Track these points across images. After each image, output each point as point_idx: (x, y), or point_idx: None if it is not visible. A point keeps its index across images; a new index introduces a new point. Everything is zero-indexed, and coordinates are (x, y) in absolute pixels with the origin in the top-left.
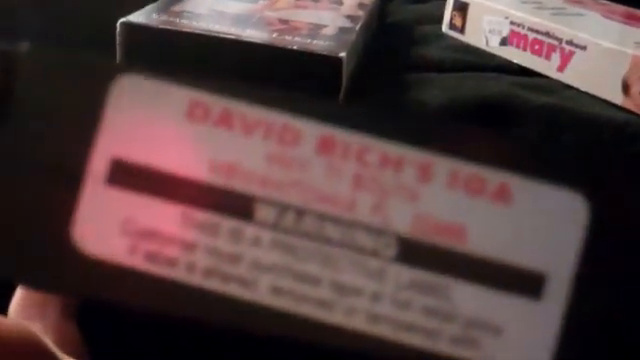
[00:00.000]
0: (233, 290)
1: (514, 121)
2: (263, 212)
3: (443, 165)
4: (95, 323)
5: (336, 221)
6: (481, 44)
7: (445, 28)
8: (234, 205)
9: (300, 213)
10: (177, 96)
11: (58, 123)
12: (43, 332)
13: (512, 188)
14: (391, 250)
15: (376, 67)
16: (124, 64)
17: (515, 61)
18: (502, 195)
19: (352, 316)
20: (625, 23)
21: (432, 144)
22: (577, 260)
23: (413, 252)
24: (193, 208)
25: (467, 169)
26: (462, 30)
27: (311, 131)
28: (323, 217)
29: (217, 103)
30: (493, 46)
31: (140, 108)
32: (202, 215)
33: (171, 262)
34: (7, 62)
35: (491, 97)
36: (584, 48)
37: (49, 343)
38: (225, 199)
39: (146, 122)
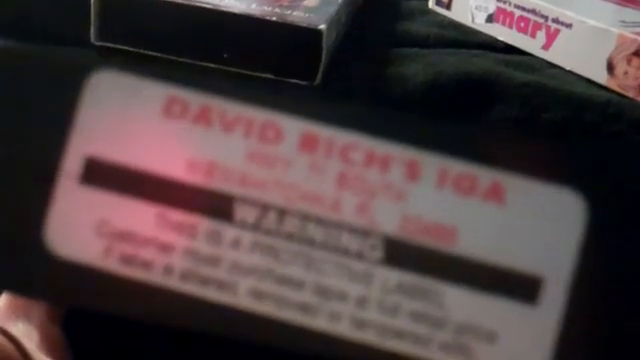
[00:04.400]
0: (212, 294)
1: (496, 98)
2: (243, 212)
3: (432, 163)
4: (80, 327)
5: (320, 222)
6: (467, 21)
7: (432, 4)
8: (213, 205)
9: (282, 213)
10: (154, 92)
11: (30, 121)
12: (26, 334)
13: (505, 187)
14: (377, 252)
15: (359, 41)
16: (99, 59)
17: (501, 38)
18: (494, 194)
19: (336, 321)
20: (613, 2)
21: (420, 141)
22: (575, 262)
23: (401, 254)
24: (170, 208)
25: (457, 167)
26: (449, 6)
27: (293, 128)
28: (306, 218)
29: (196, 99)
30: (479, 23)
31: (115, 105)
32: (179, 216)
33: (147, 265)
34: None
35: (473, 74)
36: (569, 26)
37: (27, 346)
38: (204, 199)
39: (122, 119)
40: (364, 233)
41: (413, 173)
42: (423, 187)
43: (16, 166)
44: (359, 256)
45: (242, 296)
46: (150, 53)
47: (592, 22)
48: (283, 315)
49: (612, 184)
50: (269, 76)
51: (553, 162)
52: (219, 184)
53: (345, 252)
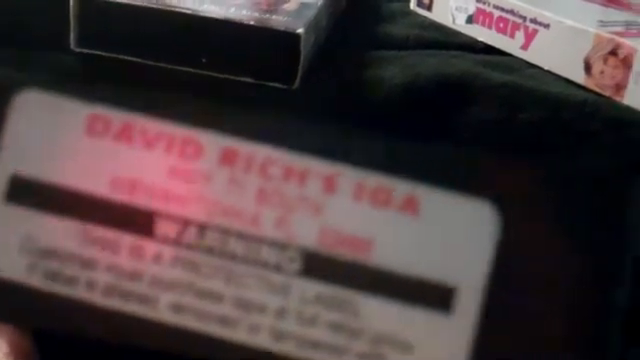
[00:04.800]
0: (134, 308)
1: (473, 99)
2: (164, 228)
3: (348, 177)
4: (52, 336)
5: (239, 236)
6: (448, 22)
7: (413, 5)
8: (134, 221)
9: (202, 228)
10: (76, 111)
11: None
12: None
13: (420, 199)
14: (296, 264)
15: (340, 44)
16: (25, 78)
17: (480, 39)
18: (410, 206)
19: (256, 333)
20: (592, 2)
21: (337, 155)
22: (488, 272)
23: (318, 266)
24: (93, 225)
25: (373, 180)
26: (430, 7)
27: (213, 143)
28: (226, 232)
29: (117, 117)
30: (459, 24)
31: (40, 123)
32: (102, 232)
33: (71, 280)
34: None
35: (451, 75)
36: (547, 26)
37: None
38: (125, 215)
39: (46, 138)
40: (282, 246)
41: (330, 186)
42: (340, 200)
43: None
44: (278, 269)
45: (163, 310)
46: (130, 59)
47: (569, 22)
48: (203, 328)
49: (524, 197)
50: (248, 80)
51: (467, 174)
52: (140, 200)
53: (264, 265)
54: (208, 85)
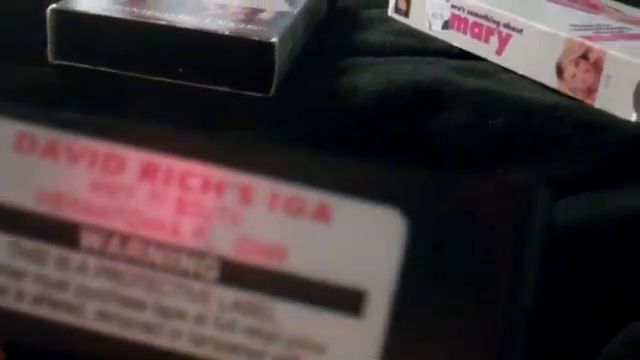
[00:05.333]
0: (61, 316)
1: (446, 106)
2: (88, 239)
3: (264, 187)
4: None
5: (160, 246)
6: (425, 28)
7: (391, 12)
8: (60, 233)
9: (125, 239)
10: (4, 127)
11: None
12: None
13: (331, 207)
14: (214, 272)
15: (317, 52)
16: None
17: (456, 45)
18: (322, 214)
19: (177, 339)
20: (565, 5)
21: (252, 166)
22: (396, 276)
23: (235, 274)
24: (21, 237)
25: (287, 190)
26: (407, 14)
27: (134, 158)
28: (147, 242)
29: (43, 134)
30: (436, 30)
31: None
32: (30, 244)
33: (1, 290)
34: None
35: (424, 82)
36: (520, 31)
37: None
38: (52, 228)
39: None
40: (201, 255)
41: (246, 197)
42: (256, 210)
43: None
44: (197, 276)
45: (89, 317)
46: (106, 70)
47: (541, 27)
48: (128, 334)
49: (429, 203)
50: (225, 89)
51: (374, 182)
52: (66, 213)
53: (184, 273)
54: (182, 95)
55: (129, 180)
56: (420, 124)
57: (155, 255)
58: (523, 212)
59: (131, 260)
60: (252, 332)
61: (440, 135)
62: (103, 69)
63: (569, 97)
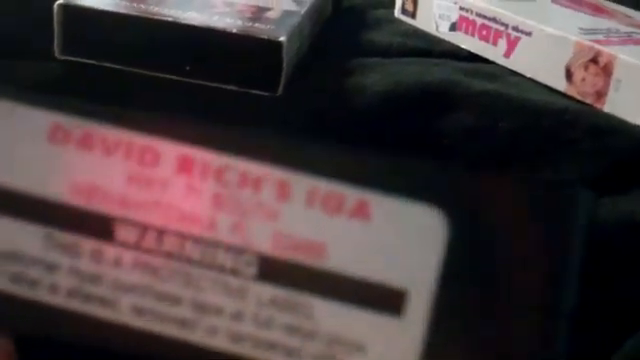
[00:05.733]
0: (95, 310)
1: (453, 107)
2: (124, 233)
3: (301, 183)
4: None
5: (196, 241)
6: (432, 29)
7: (397, 13)
8: (95, 226)
9: (160, 233)
10: (39, 119)
11: None
12: None
13: (371, 205)
14: (251, 269)
15: (324, 52)
16: None
17: (464, 47)
18: (361, 212)
19: (213, 335)
20: (573, 9)
21: (290, 162)
22: (436, 275)
23: (273, 270)
24: (55, 229)
25: (325, 187)
26: (414, 15)
27: (170, 151)
28: (183, 237)
29: (78, 125)
30: (443, 31)
31: (2, 130)
32: (64, 236)
33: (34, 283)
34: None
35: (432, 83)
36: (529, 34)
37: None
38: (86, 220)
39: (8, 145)
40: (239, 251)
41: (284, 193)
42: (293, 206)
43: None
44: (234, 272)
45: (124, 312)
46: (113, 66)
47: (550, 30)
48: (163, 330)
49: (469, 202)
50: (232, 88)
51: (415, 180)
52: (100, 206)
53: (221, 269)
54: (188, 93)
55: (165, 173)
56: (428, 125)
57: (192, 250)
58: (566, 213)
59: (167, 255)
60: (290, 330)
61: (448, 136)
62: (109, 65)
63: (578, 101)
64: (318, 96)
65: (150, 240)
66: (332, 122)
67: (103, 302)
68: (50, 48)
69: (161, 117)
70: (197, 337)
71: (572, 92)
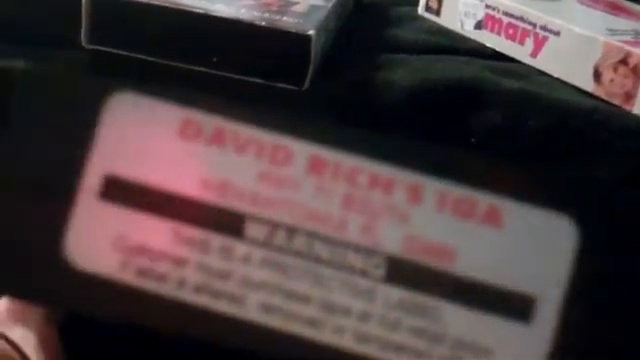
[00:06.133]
0: (222, 306)
1: (481, 105)
2: (254, 230)
3: (433, 187)
4: (77, 330)
5: (326, 240)
6: (456, 27)
7: (421, 10)
8: (225, 222)
9: (290, 232)
10: (169, 114)
11: (53, 139)
12: (24, 338)
13: (502, 211)
14: (381, 270)
15: (348, 47)
16: (118, 81)
17: (489, 45)
18: (492, 218)
19: (341, 335)
20: (600, 10)
21: (422, 166)
22: (566, 283)
23: (402, 273)
24: (184, 224)
25: (457, 191)
26: (438, 12)
27: (302, 151)
28: (313, 236)
29: (210, 121)
30: (468, 29)
31: (133, 125)
32: (193, 232)
33: (162, 278)
34: (4, 79)
35: (460, 80)
36: (557, 34)
37: (25, 349)
38: (216, 216)
39: (139, 139)
40: (368, 252)
41: (415, 196)
42: (424, 210)
43: (38, 182)
44: (363, 274)
45: (252, 309)
46: (140, 56)
47: (579, 30)
48: (290, 328)
49: (601, 213)
50: (258, 80)
51: (548, 190)
52: (231, 202)
53: (350, 270)
54: (212, 83)
55: (296, 173)
56: (455, 122)
57: (321, 250)
58: None
59: (296, 253)
60: (417, 332)
61: (475, 134)
62: (136, 55)
63: (606, 102)
64: (344, 91)
65: (280, 238)
66: (358, 116)
67: (231, 299)
68: (77, 38)
69: (294, 117)
70: (324, 337)
71: (600, 93)
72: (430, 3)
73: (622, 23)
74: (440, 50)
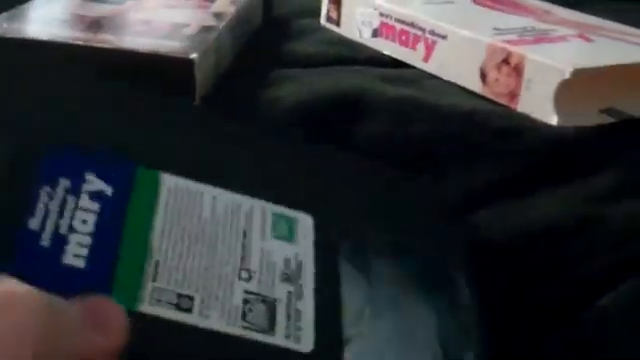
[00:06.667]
0: None
1: (365, 114)
2: None
3: None
4: None
5: None
6: (355, 36)
7: (323, 21)
8: None
9: None
10: None
11: None
12: None
13: None
14: None
15: (245, 64)
16: None
17: (386, 52)
18: None
19: None
20: (496, 9)
21: None
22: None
23: None
24: None
25: None
26: (338, 23)
27: None
28: None
29: None
30: (366, 38)
31: None
32: None
33: None
34: None
35: (345, 91)
36: (445, 37)
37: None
38: None
39: None
40: None
41: None
42: None
43: None
44: None
45: None
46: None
47: (464, 32)
48: None
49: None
50: None
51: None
52: None
53: None
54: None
55: None
56: (340, 133)
57: None
58: None
59: None
60: None
61: (359, 144)
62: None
63: (493, 102)
64: (238, 108)
65: None
66: (245, 134)
67: None
68: None
69: None
70: None
71: (487, 93)
72: (330, 14)
73: (513, 21)
74: (339, 61)
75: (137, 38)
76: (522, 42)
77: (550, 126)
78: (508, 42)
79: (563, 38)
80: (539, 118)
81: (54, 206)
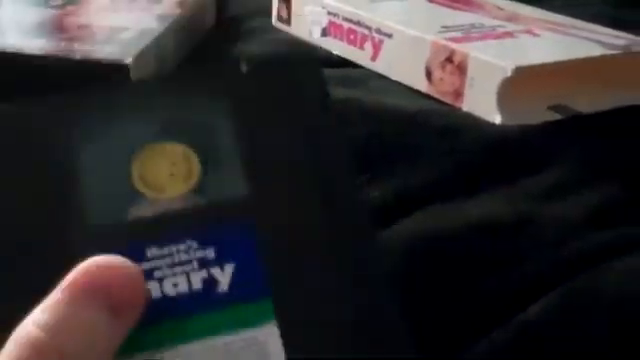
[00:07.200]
0: None
1: None
2: None
3: None
4: None
5: None
6: (306, 35)
7: (274, 21)
8: None
9: None
10: None
11: None
12: None
13: None
14: None
15: (195, 66)
16: None
17: (335, 52)
18: None
19: None
20: (446, 5)
21: None
22: None
23: None
24: None
25: None
26: (289, 22)
27: None
28: None
29: None
30: (316, 37)
31: None
32: None
33: None
34: None
35: None
36: (391, 36)
37: None
38: None
39: None
40: None
41: None
42: None
43: None
44: None
45: None
46: None
47: (409, 31)
48: None
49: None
50: None
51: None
52: None
53: None
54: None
55: None
56: None
57: None
58: None
59: None
60: None
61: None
62: None
63: (440, 101)
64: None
65: None
66: None
67: None
68: None
69: None
70: None
71: (432, 91)
72: (281, 13)
73: (461, 18)
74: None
75: (71, 44)
76: (466, 39)
77: (493, 125)
78: (452, 40)
79: (510, 34)
80: (483, 117)
81: None
